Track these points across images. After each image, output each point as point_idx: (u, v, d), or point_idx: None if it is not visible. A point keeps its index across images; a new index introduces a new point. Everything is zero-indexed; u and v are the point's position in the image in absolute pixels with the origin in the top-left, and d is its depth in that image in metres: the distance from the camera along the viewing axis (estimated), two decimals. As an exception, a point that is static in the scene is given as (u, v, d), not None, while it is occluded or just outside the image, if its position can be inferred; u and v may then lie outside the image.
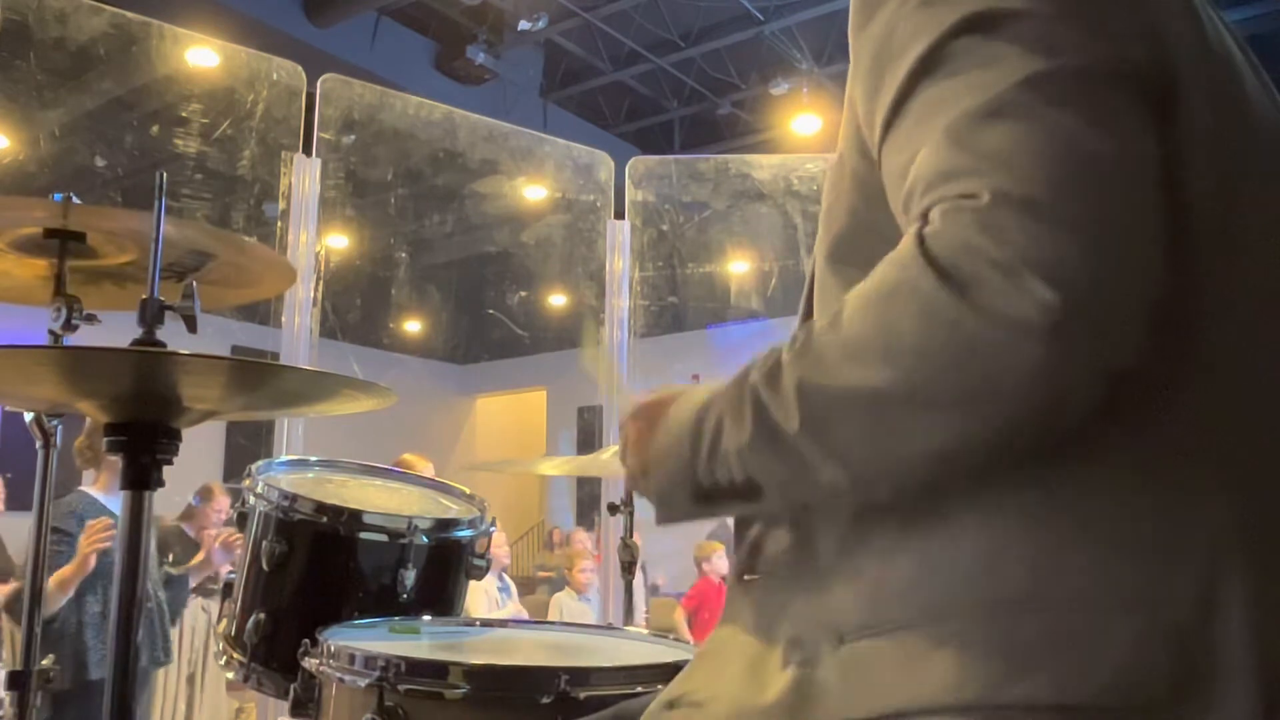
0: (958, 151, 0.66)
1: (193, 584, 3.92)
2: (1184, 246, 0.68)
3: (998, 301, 0.61)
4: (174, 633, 3.95)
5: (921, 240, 0.65)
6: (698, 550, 6.56)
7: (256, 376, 1.28)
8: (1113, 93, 0.66)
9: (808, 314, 0.89)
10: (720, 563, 6.25)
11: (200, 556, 3.78)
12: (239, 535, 3.72)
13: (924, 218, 0.67)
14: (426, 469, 3.86)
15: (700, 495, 0.79)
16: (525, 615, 5.22)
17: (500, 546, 5.40)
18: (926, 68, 0.70)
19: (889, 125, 0.72)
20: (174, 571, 3.69)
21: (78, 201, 1.45)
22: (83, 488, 3.47)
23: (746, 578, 0.87)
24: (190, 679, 4.18)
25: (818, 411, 0.70)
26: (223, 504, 4.24)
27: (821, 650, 0.74)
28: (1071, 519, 0.66)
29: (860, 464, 0.69)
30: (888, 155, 0.73)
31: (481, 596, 4.65)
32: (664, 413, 0.84)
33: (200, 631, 4.33)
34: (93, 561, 3.10)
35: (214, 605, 4.28)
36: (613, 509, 2.69)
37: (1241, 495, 0.67)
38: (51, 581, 3.18)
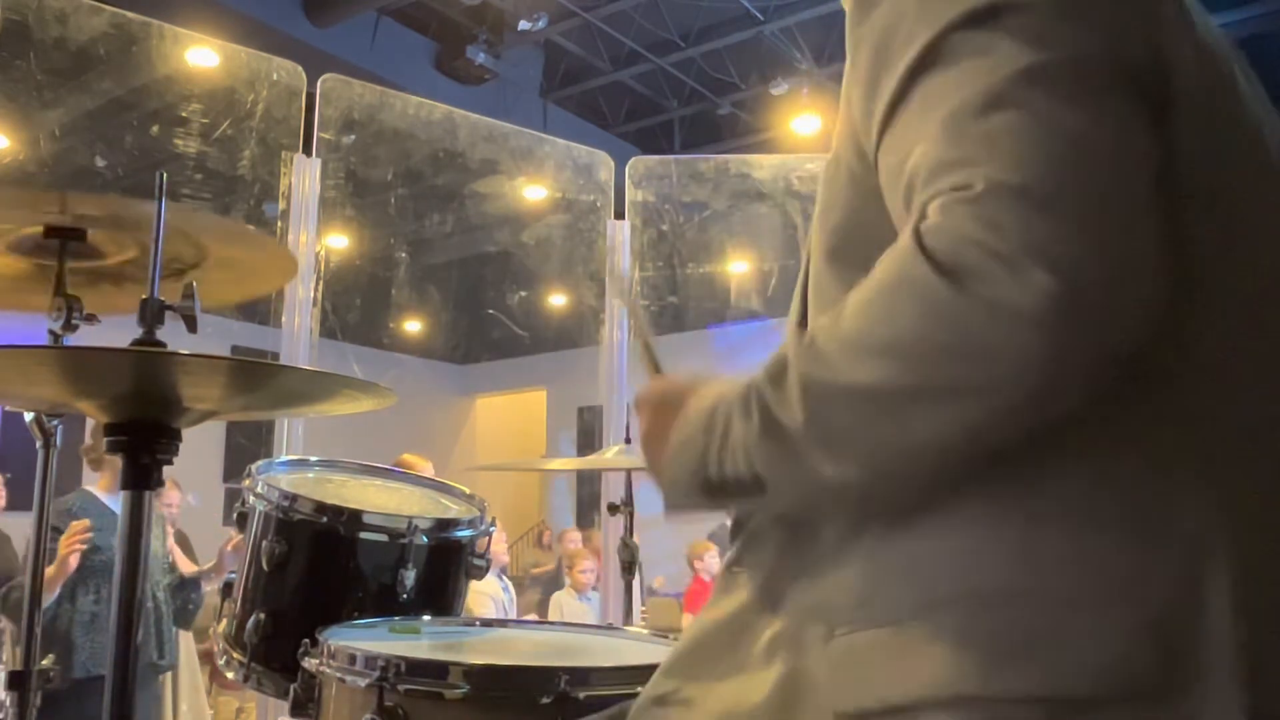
0: (953, 142, 0.66)
1: (206, 588, 3.87)
2: (1179, 241, 0.68)
3: (998, 291, 0.62)
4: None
5: (919, 235, 0.66)
6: (690, 549, 6.56)
7: (256, 376, 1.28)
8: (1109, 86, 0.67)
9: (802, 312, 0.89)
10: (712, 562, 6.25)
11: (212, 561, 3.72)
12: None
13: (922, 212, 0.67)
14: (426, 469, 3.86)
15: (709, 487, 0.80)
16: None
17: (497, 544, 5.38)
18: (924, 64, 0.70)
19: (886, 123, 0.73)
20: (185, 574, 3.67)
21: (78, 201, 1.45)
22: (86, 487, 3.47)
23: (735, 569, 0.89)
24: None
25: (821, 407, 0.70)
26: (173, 498, 4.13)
27: (810, 643, 0.75)
28: (1058, 512, 0.67)
29: (865, 459, 0.70)
30: (885, 153, 0.73)
31: (487, 602, 4.62)
32: (683, 404, 0.85)
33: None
34: (72, 562, 3.10)
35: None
36: (613, 509, 2.69)
37: (1225, 488, 0.68)
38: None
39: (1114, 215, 0.63)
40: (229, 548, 3.67)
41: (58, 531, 3.24)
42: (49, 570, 3.12)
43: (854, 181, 0.80)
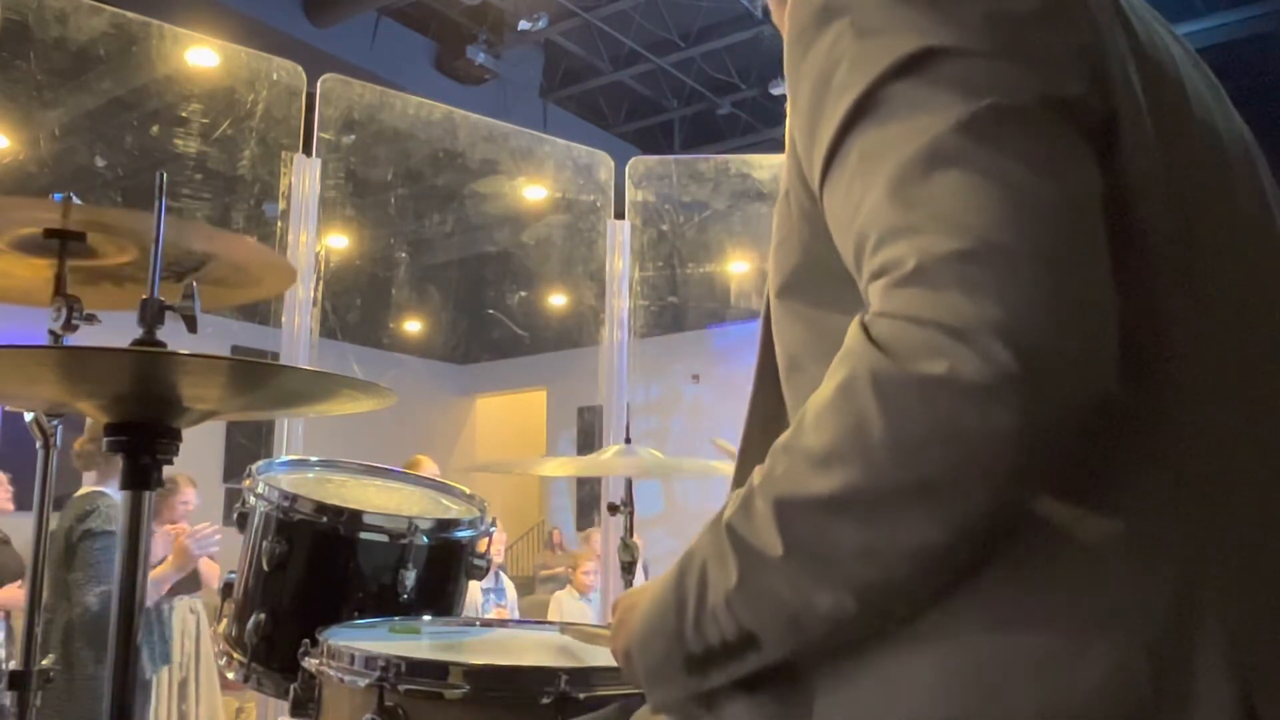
0: (899, 208, 0.65)
1: (165, 586, 3.87)
2: (1139, 272, 0.68)
3: (959, 371, 0.60)
4: None
5: (866, 328, 0.64)
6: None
7: (256, 376, 1.28)
8: (1045, 126, 0.65)
9: (765, 354, 0.87)
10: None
11: (169, 560, 3.72)
12: (208, 526, 3.74)
13: (865, 299, 0.66)
14: (431, 470, 3.87)
15: (693, 664, 0.74)
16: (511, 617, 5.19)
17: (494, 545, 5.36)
18: (862, 111, 0.68)
19: (827, 168, 0.71)
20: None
21: (78, 202, 1.45)
22: (98, 488, 3.47)
23: None
24: (183, 684, 4.09)
25: (800, 530, 0.67)
26: (188, 495, 4.16)
27: (809, 666, 0.73)
28: (1048, 539, 0.66)
29: (858, 579, 0.65)
30: (829, 198, 0.72)
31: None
32: (636, 598, 0.82)
33: (191, 634, 4.23)
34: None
35: (200, 604, 4.25)
36: (613, 509, 2.68)
37: (1214, 512, 0.67)
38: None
39: (1065, 267, 0.61)
40: (187, 540, 3.66)
41: (111, 535, 3.25)
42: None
43: (806, 218, 0.79)
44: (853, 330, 0.66)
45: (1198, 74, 0.82)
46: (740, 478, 0.90)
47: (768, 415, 0.88)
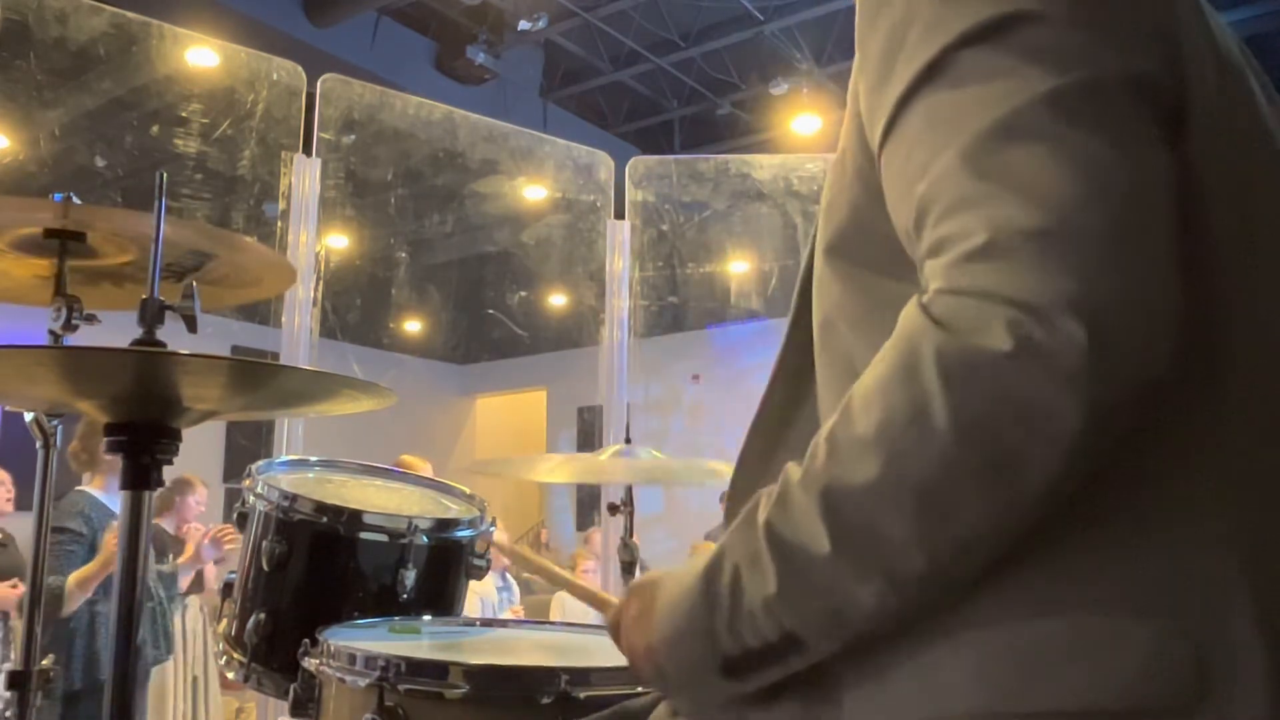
0: (971, 177, 0.63)
1: (182, 581, 3.93)
2: (1200, 255, 0.67)
3: (1029, 346, 0.59)
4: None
5: (926, 308, 0.63)
6: (692, 550, 6.56)
7: (256, 376, 1.28)
8: (1125, 106, 0.65)
9: (801, 309, 0.87)
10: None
11: (188, 553, 3.81)
12: (228, 529, 3.75)
13: (931, 263, 0.64)
14: (425, 470, 3.87)
15: (731, 668, 0.71)
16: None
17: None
18: (933, 73, 0.67)
19: (890, 127, 0.71)
20: (162, 569, 3.70)
21: (78, 202, 1.45)
22: (82, 488, 3.48)
23: None
24: (194, 681, 4.17)
25: (848, 521, 0.65)
26: (202, 495, 4.20)
27: (837, 661, 0.72)
28: (1086, 526, 0.66)
29: (903, 571, 0.64)
30: (888, 157, 0.71)
31: (476, 601, 4.62)
32: (656, 590, 0.78)
33: (200, 633, 4.31)
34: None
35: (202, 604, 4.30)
36: (613, 509, 2.68)
37: (1254, 500, 0.67)
38: (71, 580, 3.21)
39: (1139, 250, 0.61)
40: (206, 539, 3.73)
41: (68, 532, 3.25)
42: (91, 568, 3.17)
43: (860, 177, 0.78)
44: (909, 312, 0.65)
45: (1254, 73, 0.83)
46: (759, 427, 0.89)
47: (791, 368, 0.88)
